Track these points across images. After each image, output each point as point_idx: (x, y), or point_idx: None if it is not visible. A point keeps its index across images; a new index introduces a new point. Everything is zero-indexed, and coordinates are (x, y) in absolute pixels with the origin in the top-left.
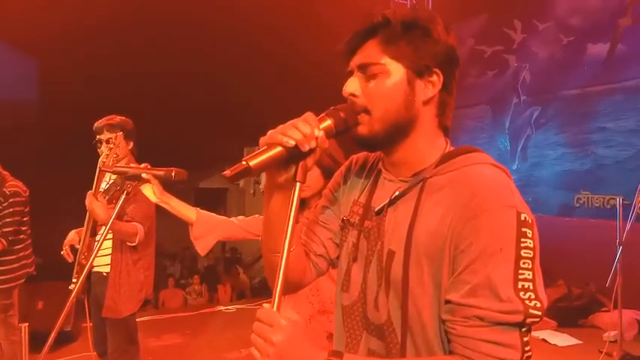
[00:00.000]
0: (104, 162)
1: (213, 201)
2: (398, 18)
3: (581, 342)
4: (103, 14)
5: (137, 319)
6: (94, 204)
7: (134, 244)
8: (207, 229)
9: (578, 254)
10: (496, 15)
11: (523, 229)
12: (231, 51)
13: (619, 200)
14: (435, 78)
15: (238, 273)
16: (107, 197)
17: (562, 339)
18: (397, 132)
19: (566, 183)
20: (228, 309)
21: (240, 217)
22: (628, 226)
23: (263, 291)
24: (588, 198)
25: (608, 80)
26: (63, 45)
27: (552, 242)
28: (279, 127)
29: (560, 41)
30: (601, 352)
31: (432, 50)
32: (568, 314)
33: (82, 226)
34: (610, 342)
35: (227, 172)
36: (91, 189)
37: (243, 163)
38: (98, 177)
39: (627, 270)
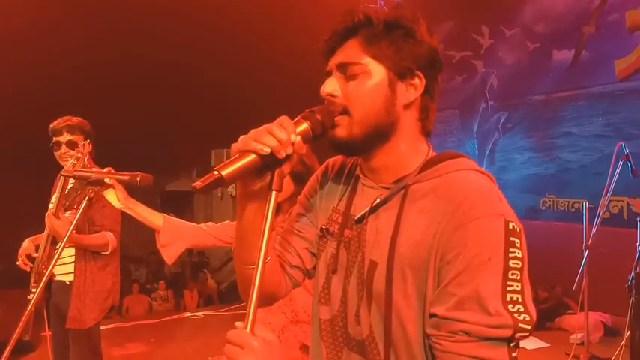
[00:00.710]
0: (68, 170)
1: (179, 204)
2: (380, 17)
3: (548, 345)
4: (60, 13)
5: (100, 327)
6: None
7: (108, 252)
8: (174, 237)
9: (545, 257)
10: (464, 21)
11: (511, 239)
12: (199, 52)
13: (585, 204)
14: (416, 81)
15: (206, 278)
16: (67, 203)
17: (530, 342)
18: (377, 136)
19: (532, 187)
20: (195, 315)
21: (210, 224)
22: (594, 230)
23: (231, 296)
24: (554, 201)
25: (573, 86)
26: (17, 44)
27: None
28: (252, 133)
29: (527, 47)
30: (568, 355)
31: (414, 51)
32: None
33: (41, 231)
34: (577, 344)
35: (197, 184)
36: (50, 195)
37: (215, 173)
38: (63, 185)
39: (593, 272)
